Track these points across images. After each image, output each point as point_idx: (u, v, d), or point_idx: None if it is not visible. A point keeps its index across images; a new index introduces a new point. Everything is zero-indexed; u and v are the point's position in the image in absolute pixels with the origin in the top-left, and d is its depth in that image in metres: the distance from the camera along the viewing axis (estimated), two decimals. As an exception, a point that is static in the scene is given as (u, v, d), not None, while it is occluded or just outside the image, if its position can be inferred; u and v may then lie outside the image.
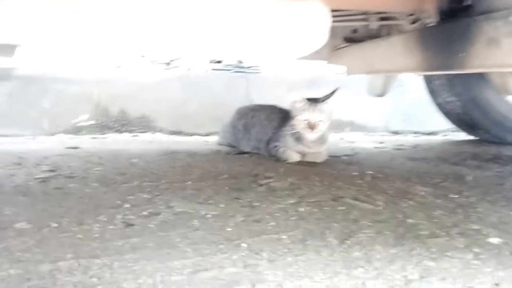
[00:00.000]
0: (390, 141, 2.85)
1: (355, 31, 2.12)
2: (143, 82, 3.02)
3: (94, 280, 0.82)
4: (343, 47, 1.97)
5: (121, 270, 0.86)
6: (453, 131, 3.19)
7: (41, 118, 2.81)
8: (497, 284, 0.83)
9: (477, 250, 0.99)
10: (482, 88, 2.61)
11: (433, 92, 2.82)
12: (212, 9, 0.96)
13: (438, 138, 3.17)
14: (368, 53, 1.72)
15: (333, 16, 2.03)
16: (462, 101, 2.67)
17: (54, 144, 2.50)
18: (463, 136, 3.02)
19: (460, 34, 1.22)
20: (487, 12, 1.19)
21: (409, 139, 3.02)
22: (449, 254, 0.96)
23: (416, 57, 1.38)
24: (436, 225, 1.15)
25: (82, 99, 2.89)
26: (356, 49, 1.83)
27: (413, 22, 1.98)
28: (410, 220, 1.19)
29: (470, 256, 0.95)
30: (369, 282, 0.83)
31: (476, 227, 1.14)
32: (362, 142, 2.82)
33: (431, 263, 0.91)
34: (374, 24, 2.06)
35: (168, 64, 3.67)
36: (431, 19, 1.72)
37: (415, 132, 3.29)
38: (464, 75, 2.57)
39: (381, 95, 2.66)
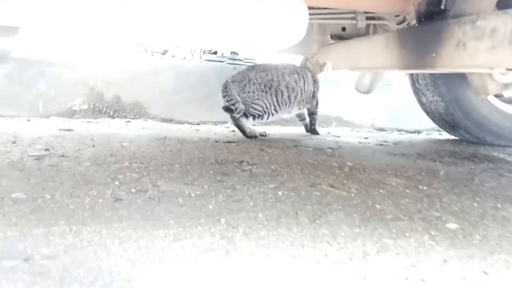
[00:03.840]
0: (375, 137, 2.95)
1: (343, 29, 2.21)
2: (138, 69, 3.09)
3: (84, 243, 0.91)
4: (330, 44, 2.06)
5: (109, 236, 0.95)
6: (436, 130, 3.30)
7: (36, 100, 2.88)
8: (445, 261, 0.93)
9: (433, 233, 1.09)
10: (465, 90, 2.72)
11: (418, 92, 2.92)
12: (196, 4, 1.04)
13: (422, 136, 3.28)
14: (353, 50, 1.81)
15: (322, 14, 2.13)
16: (445, 102, 2.78)
17: (48, 126, 2.57)
18: (446, 135, 3.13)
19: (434, 35, 1.31)
20: (459, 16, 1.28)
21: (393, 136, 3.12)
22: (407, 235, 1.06)
23: (394, 55, 1.47)
24: (401, 211, 1.25)
25: (77, 84, 2.96)
26: (342, 46, 1.93)
27: (400, 23, 2.07)
28: (378, 206, 1.29)
29: (426, 237, 1.05)
30: (330, 254, 0.92)
31: (437, 214, 1.24)
32: (348, 137, 2.92)
33: (390, 241, 1.01)
34: (362, 23, 2.15)
35: (163, 53, 3.75)
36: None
37: (400, 130, 3.40)
38: (448, 76, 2.67)
39: (368, 92, 2.76)
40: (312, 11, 2.04)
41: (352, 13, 2.12)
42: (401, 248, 0.98)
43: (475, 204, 1.37)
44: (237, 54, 3.53)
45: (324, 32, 2.17)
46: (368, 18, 2.15)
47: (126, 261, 0.83)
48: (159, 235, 0.97)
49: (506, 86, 2.15)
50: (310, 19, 2.01)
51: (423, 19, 1.53)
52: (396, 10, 1.89)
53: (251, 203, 1.25)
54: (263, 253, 0.91)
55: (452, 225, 1.15)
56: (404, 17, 2.01)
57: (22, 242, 0.89)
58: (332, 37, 2.15)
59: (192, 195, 1.30)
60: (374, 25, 2.13)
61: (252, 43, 1.13)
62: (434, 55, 1.24)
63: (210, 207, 1.20)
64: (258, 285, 0.79)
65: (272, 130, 3.08)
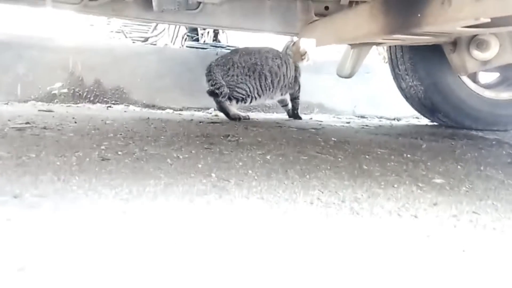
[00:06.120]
0: (356, 122, 2.98)
1: (327, 8, 2.23)
2: (120, 54, 3.05)
3: (74, 187, 0.89)
4: (314, 21, 2.07)
5: (99, 183, 0.94)
6: (415, 117, 3.36)
7: (14, 84, 2.81)
8: (435, 204, 0.95)
9: (421, 185, 1.11)
10: (444, 74, 2.76)
11: (397, 77, 2.96)
12: None
13: (401, 122, 3.33)
14: (337, 24, 1.83)
15: (306, -7, 2.14)
16: (424, 86, 2.82)
17: (28, 108, 2.52)
18: (424, 121, 3.19)
19: (419, -3, 1.33)
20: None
21: (374, 122, 3.16)
22: (395, 186, 1.08)
23: (379, 22, 1.49)
24: (388, 170, 1.27)
25: (57, 67, 2.89)
26: (326, 21, 1.94)
27: None
28: (365, 167, 1.30)
29: (414, 188, 1.07)
30: (323, 198, 0.93)
31: (423, 173, 1.26)
32: (330, 121, 2.95)
33: (379, 190, 1.03)
34: (345, 1, 2.16)
35: (144, 41, 3.71)
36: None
37: (380, 117, 3.44)
38: (427, 60, 2.72)
39: (350, 76, 2.78)
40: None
41: (335, -9, 2.14)
42: (391, 195, 0.99)
43: (459, 167, 1.40)
44: (219, 41, 3.52)
45: (308, 11, 2.18)
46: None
47: (118, 200, 0.82)
48: (150, 184, 0.96)
49: (484, 63, 2.21)
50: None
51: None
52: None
53: (240, 163, 1.25)
54: (256, 197, 0.91)
55: (438, 180, 1.18)
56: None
57: (9, 186, 0.87)
58: (315, 15, 2.17)
59: (181, 157, 1.29)
60: (357, 1, 2.15)
61: None
62: (419, 15, 1.26)
63: (200, 166, 1.19)
64: (254, 220, 0.79)
65: (255, 115, 3.08)
